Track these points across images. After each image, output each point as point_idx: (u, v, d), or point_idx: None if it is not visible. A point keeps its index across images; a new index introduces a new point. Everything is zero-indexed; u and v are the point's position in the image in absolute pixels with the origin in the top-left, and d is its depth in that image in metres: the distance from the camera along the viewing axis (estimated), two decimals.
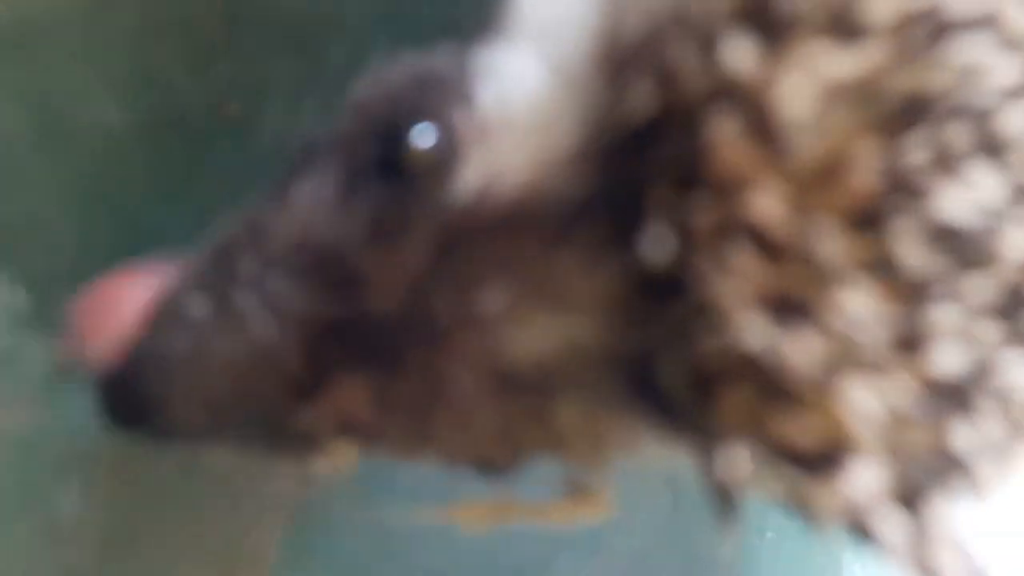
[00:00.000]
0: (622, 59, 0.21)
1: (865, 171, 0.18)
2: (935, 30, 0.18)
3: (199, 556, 0.38)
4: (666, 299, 0.20)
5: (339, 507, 0.38)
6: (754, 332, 0.18)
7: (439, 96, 0.24)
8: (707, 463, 0.20)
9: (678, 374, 0.20)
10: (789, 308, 0.18)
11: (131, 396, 0.26)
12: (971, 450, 0.20)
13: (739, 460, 0.19)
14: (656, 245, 0.19)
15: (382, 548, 0.44)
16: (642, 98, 0.20)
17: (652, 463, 0.26)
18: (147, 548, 0.37)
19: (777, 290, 0.18)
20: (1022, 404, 0.20)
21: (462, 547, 0.42)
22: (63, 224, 0.35)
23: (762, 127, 0.18)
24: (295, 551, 0.40)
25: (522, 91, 0.24)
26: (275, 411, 0.25)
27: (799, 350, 0.18)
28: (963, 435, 0.19)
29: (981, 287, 0.18)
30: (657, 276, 0.20)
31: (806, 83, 0.18)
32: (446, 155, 0.23)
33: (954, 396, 0.19)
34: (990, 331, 0.19)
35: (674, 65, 0.19)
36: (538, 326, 0.22)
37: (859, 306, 0.18)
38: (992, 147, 0.18)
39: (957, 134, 0.18)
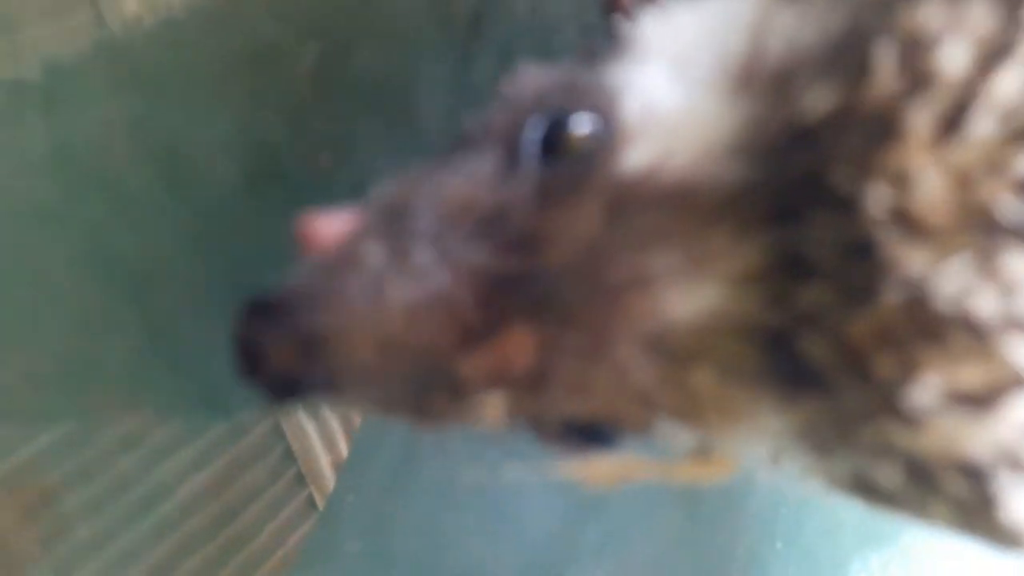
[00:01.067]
0: (772, 72, 0.24)
1: (1004, 171, 0.21)
2: None
3: None
4: (813, 279, 0.22)
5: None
6: (947, 285, 0.21)
7: (590, 95, 0.28)
8: (852, 426, 0.23)
9: (824, 347, 0.22)
10: (971, 270, 0.21)
11: (295, 334, 0.26)
12: None
13: (925, 398, 0.21)
14: (826, 227, 0.22)
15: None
16: (817, 99, 0.23)
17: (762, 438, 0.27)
18: None
19: (948, 258, 0.21)
20: None
21: (473, 552, 0.44)
22: (182, 268, 0.37)
23: (952, 123, 0.21)
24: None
25: (665, 100, 0.27)
26: (446, 357, 0.26)
27: (981, 304, 0.21)
28: None
29: None
30: (811, 256, 0.22)
31: (1002, 100, 0.21)
32: (599, 142, 0.26)
33: None
34: None
35: (871, 65, 0.22)
36: (694, 293, 0.24)
37: (1017, 270, 0.20)
38: None
39: None
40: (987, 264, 0.21)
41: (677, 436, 0.27)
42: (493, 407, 0.27)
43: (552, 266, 0.25)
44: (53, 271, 0.37)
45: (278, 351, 0.26)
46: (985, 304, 0.21)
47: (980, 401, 0.22)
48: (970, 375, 0.21)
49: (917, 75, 0.22)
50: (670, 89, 0.27)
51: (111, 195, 0.36)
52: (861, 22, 0.23)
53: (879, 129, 0.22)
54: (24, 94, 0.35)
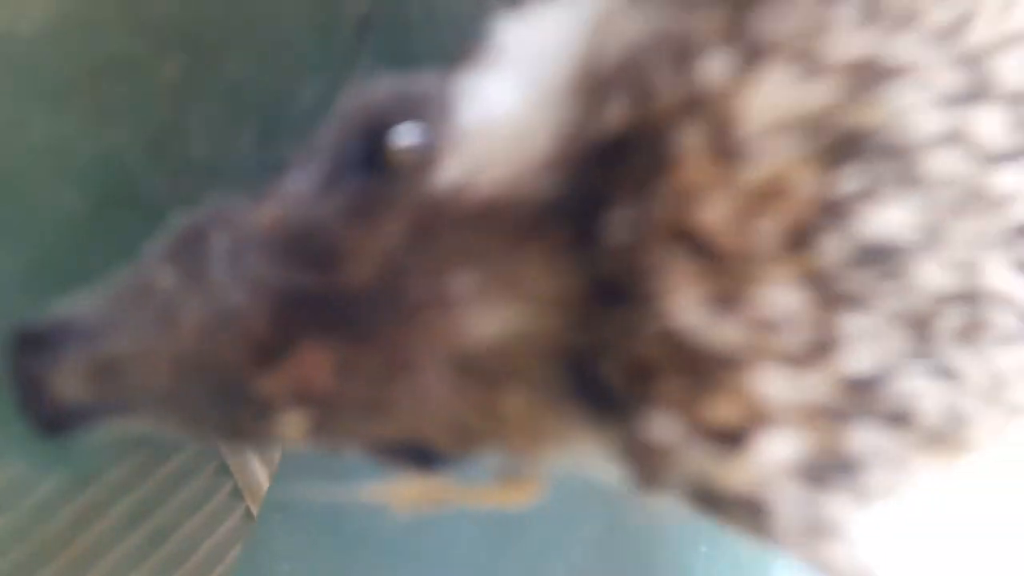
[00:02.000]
0: (599, 80, 0.23)
1: (800, 196, 0.20)
2: (878, 74, 0.21)
3: None
4: (615, 302, 0.22)
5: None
6: (689, 317, 0.20)
7: (423, 105, 0.27)
8: (633, 444, 0.22)
9: (616, 370, 0.22)
10: (721, 301, 0.20)
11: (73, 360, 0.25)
12: (870, 454, 0.21)
13: (666, 434, 0.21)
14: (613, 247, 0.21)
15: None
16: (615, 112, 0.22)
17: (583, 463, 0.27)
18: None
19: (713, 287, 0.20)
20: (924, 417, 0.22)
21: None
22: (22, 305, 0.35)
23: (723, 143, 0.20)
24: None
25: (500, 107, 0.26)
26: (242, 376, 0.25)
27: (727, 335, 0.20)
28: (863, 438, 0.21)
29: (894, 303, 0.21)
30: (610, 279, 0.22)
31: (768, 106, 0.20)
32: (426, 154, 0.25)
33: (860, 399, 0.21)
34: (898, 342, 0.21)
35: (650, 81, 0.21)
36: (498, 314, 0.23)
37: (781, 305, 0.20)
38: (914, 182, 0.21)
39: (884, 168, 0.21)
40: (751, 294, 0.20)
41: (488, 458, 0.27)
42: (295, 426, 0.26)
43: (351, 284, 0.24)
44: None
45: (61, 380, 0.25)
46: (731, 336, 0.20)
47: (729, 437, 0.21)
48: (717, 410, 0.21)
49: (687, 90, 0.21)
50: (511, 98, 0.26)
51: None
52: (655, 33, 0.23)
53: (656, 151, 0.21)
54: None
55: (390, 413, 0.25)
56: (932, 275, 0.21)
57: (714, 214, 0.20)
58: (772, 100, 0.20)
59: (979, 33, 0.22)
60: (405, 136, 0.26)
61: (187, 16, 0.36)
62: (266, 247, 0.25)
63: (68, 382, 0.25)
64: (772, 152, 0.20)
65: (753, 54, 0.21)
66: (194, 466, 0.72)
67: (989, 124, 0.21)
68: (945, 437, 0.23)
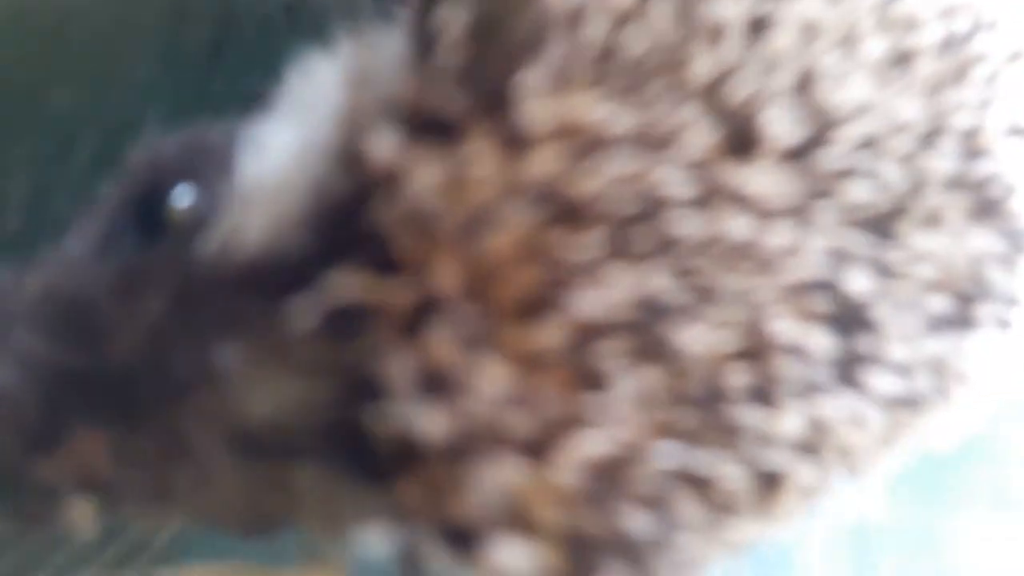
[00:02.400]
0: (347, 138, 0.22)
1: (531, 264, 0.19)
2: (589, 143, 0.20)
3: None
4: (360, 387, 0.20)
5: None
6: (401, 407, 0.19)
7: (202, 162, 0.26)
8: (404, 543, 0.21)
9: (382, 450, 0.21)
10: (435, 385, 0.19)
11: None
12: (649, 531, 0.20)
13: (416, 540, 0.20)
14: (346, 322, 0.20)
15: None
16: (344, 173, 0.21)
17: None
18: None
19: (428, 368, 0.19)
20: (729, 482, 0.21)
21: None
22: None
23: (415, 215, 0.20)
24: None
25: (276, 161, 0.25)
26: (15, 465, 0.24)
27: (434, 425, 0.19)
28: (635, 517, 0.20)
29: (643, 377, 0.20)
30: (349, 362, 0.21)
31: (437, 177, 0.19)
32: (203, 216, 0.24)
33: (614, 478, 0.20)
34: (681, 413, 0.20)
35: (355, 151, 0.21)
36: (268, 387, 0.22)
37: (497, 388, 0.19)
38: (664, 240, 0.20)
39: (622, 231, 0.20)
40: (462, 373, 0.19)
41: (288, 539, 0.26)
42: (82, 512, 0.25)
43: (117, 362, 0.23)
44: None
45: None
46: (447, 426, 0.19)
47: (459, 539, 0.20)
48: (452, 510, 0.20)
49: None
50: (288, 146, 0.25)
51: None
52: None
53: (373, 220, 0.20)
54: None
55: (176, 495, 0.24)
56: (702, 335, 0.20)
57: (445, 280, 0.19)
58: (489, 162, 0.19)
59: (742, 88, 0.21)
60: (179, 198, 0.25)
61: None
62: (32, 321, 0.24)
63: None
64: (502, 219, 0.19)
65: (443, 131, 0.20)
66: None
67: (757, 180, 0.21)
68: (765, 495, 0.22)
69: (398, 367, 0.19)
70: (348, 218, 0.21)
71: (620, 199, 0.20)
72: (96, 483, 0.24)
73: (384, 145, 0.20)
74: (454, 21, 0.20)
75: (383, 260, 0.20)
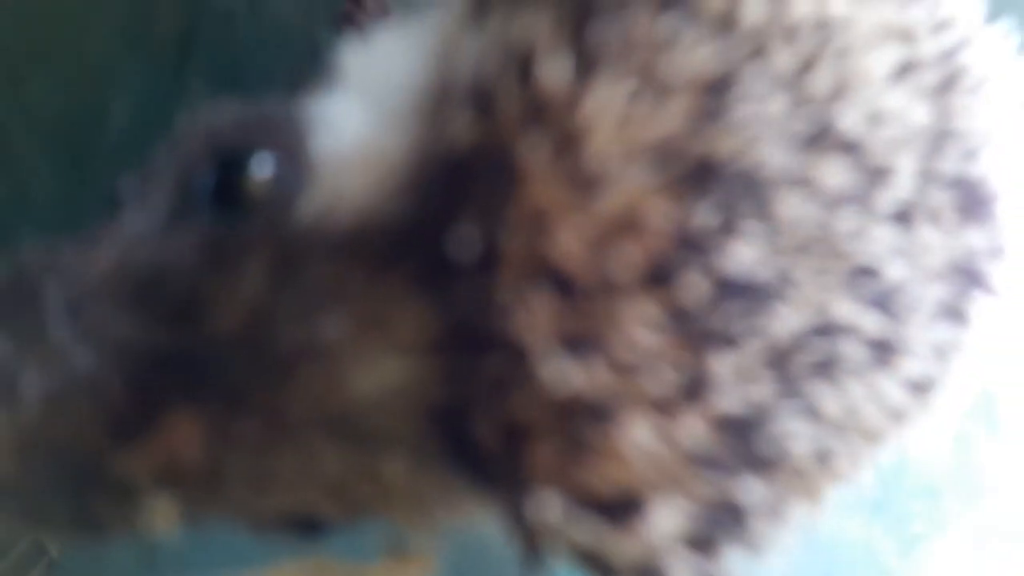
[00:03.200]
0: (446, 99, 0.22)
1: (657, 228, 0.19)
2: (727, 98, 0.20)
3: None
4: (477, 348, 0.20)
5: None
6: (549, 365, 0.19)
7: (272, 133, 0.24)
8: (517, 518, 0.20)
9: (490, 430, 0.20)
10: (581, 343, 0.19)
11: None
12: (752, 503, 0.21)
13: (549, 512, 0.20)
14: (466, 284, 0.20)
15: None
16: (460, 127, 0.20)
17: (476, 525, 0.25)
18: None
19: (571, 327, 0.19)
20: (795, 458, 0.22)
21: None
22: None
23: (570, 157, 0.19)
24: None
25: (350, 134, 0.24)
26: (98, 454, 0.21)
27: (588, 381, 0.19)
28: (745, 488, 0.21)
29: (756, 341, 0.21)
30: (467, 319, 0.20)
31: (613, 122, 0.19)
32: (283, 186, 0.23)
33: (737, 445, 0.21)
34: (766, 383, 0.21)
35: (492, 91, 0.20)
36: (371, 363, 0.21)
37: (647, 344, 0.19)
38: (768, 220, 0.21)
39: (738, 200, 0.20)
40: (612, 333, 0.19)
41: (376, 530, 0.25)
42: (164, 512, 0.22)
43: (215, 338, 0.21)
44: None
45: None
46: (600, 383, 0.19)
47: (611, 508, 0.20)
48: (596, 477, 0.20)
49: (530, 101, 0.20)
50: (361, 122, 0.24)
51: None
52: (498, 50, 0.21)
53: (502, 168, 0.19)
54: None
55: (271, 485, 0.22)
56: (788, 312, 0.21)
57: (568, 243, 0.19)
58: (617, 115, 0.19)
59: (821, 80, 0.23)
60: (259, 168, 0.23)
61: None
62: (110, 298, 0.22)
63: None
64: (624, 179, 0.19)
65: (590, 61, 0.19)
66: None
67: (832, 169, 0.22)
68: (813, 474, 0.23)
69: (538, 325, 0.19)
70: (460, 182, 0.20)
71: (744, 163, 0.20)
72: (183, 476, 0.22)
73: (556, 75, 0.19)
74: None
75: (503, 219, 0.19)
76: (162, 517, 0.22)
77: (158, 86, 0.38)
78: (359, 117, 0.24)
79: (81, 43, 0.36)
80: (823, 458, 0.24)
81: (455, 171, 0.20)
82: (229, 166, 0.23)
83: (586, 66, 0.19)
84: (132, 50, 0.38)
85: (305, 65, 0.26)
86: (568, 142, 0.19)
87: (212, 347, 0.21)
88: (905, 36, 0.27)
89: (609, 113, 0.19)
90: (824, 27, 0.24)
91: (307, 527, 0.25)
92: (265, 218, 0.22)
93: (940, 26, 0.29)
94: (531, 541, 0.21)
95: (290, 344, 0.21)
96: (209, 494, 0.23)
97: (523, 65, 0.20)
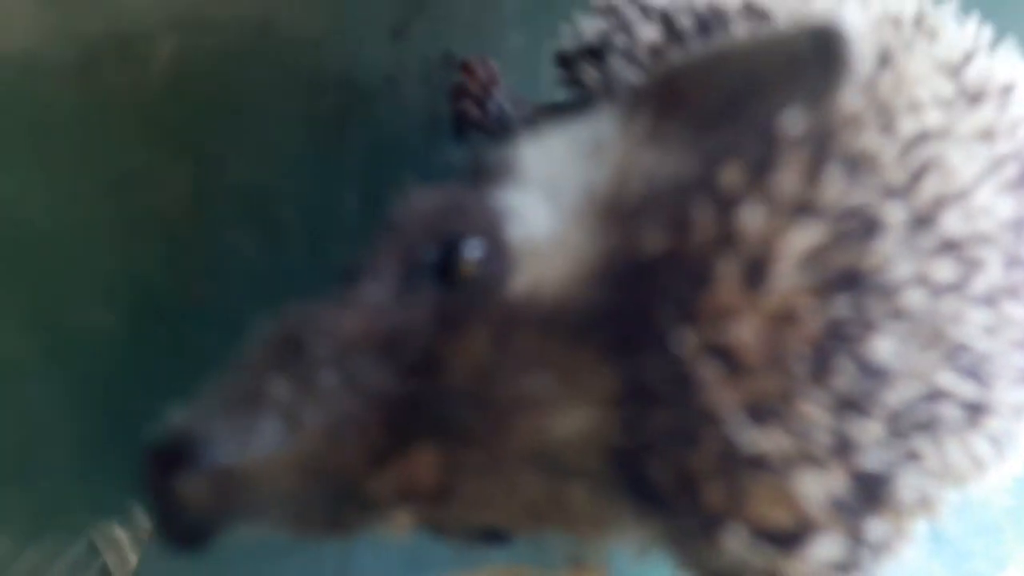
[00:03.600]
0: (628, 208, 0.27)
1: (809, 321, 0.25)
2: (867, 224, 0.26)
3: None
4: (655, 408, 0.25)
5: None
6: (740, 430, 0.24)
7: (479, 221, 0.30)
8: (692, 547, 0.26)
9: (666, 472, 0.26)
10: (762, 413, 0.25)
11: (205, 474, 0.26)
12: (875, 540, 0.27)
13: (731, 540, 0.25)
14: (655, 358, 0.25)
15: None
16: (655, 239, 0.26)
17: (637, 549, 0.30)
18: None
19: (751, 399, 0.25)
20: (904, 503, 0.27)
21: None
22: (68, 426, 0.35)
23: (754, 273, 0.25)
24: None
25: (539, 227, 0.29)
26: (357, 476, 0.27)
27: (771, 445, 0.24)
28: (874, 527, 0.26)
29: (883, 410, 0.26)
30: (650, 387, 0.25)
31: (794, 248, 0.25)
32: (490, 266, 0.28)
33: (867, 492, 0.26)
34: (887, 442, 0.26)
35: (689, 216, 0.26)
36: (567, 412, 0.26)
37: (811, 415, 0.25)
38: (898, 314, 0.26)
39: (874, 302, 0.26)
40: (785, 406, 0.25)
41: (558, 544, 0.30)
42: (401, 520, 0.28)
43: (450, 388, 0.27)
44: None
45: (198, 494, 0.26)
46: (781, 445, 0.25)
47: (783, 539, 0.26)
48: (773, 514, 0.25)
49: (725, 229, 0.25)
50: (545, 216, 0.30)
51: None
52: (688, 174, 0.27)
53: (694, 274, 0.25)
54: None
55: (484, 504, 0.28)
56: (903, 383, 0.26)
57: (745, 332, 0.25)
58: (794, 244, 0.25)
59: (929, 190, 0.28)
60: (470, 251, 0.29)
61: (195, 123, 0.37)
62: (365, 355, 0.27)
63: (202, 495, 0.26)
64: (785, 282, 0.25)
65: (776, 206, 0.25)
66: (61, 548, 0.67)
67: (940, 266, 0.27)
68: (914, 514, 0.28)
69: (727, 399, 0.24)
70: (651, 279, 0.26)
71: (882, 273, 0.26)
72: (419, 495, 0.27)
73: (755, 218, 0.25)
74: None
75: (691, 313, 0.25)
76: (399, 526, 0.28)
77: (325, 163, 0.44)
78: (544, 212, 0.30)
79: (266, 124, 0.42)
80: (924, 502, 0.29)
81: (646, 269, 0.26)
82: (447, 248, 0.29)
83: (774, 212, 0.25)
84: (304, 129, 0.44)
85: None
86: (756, 263, 0.25)
87: (446, 395, 0.27)
88: (988, 136, 0.31)
89: (791, 244, 0.25)
90: (925, 139, 0.29)
91: (498, 538, 0.31)
92: (477, 292, 0.28)
93: (1015, 124, 0.33)
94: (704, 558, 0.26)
95: (506, 395, 0.27)
96: (437, 510, 0.28)
97: (722, 203, 0.25)
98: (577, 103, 0.41)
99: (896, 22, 0.33)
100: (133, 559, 0.70)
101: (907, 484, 0.27)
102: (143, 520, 0.68)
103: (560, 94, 0.49)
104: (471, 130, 0.56)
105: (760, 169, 0.26)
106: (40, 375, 0.35)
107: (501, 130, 0.55)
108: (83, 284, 0.36)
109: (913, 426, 0.27)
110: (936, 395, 0.28)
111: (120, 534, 0.70)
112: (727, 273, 0.25)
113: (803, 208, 0.26)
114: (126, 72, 0.33)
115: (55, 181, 0.34)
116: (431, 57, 0.52)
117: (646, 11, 0.38)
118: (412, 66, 0.51)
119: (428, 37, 0.52)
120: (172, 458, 0.26)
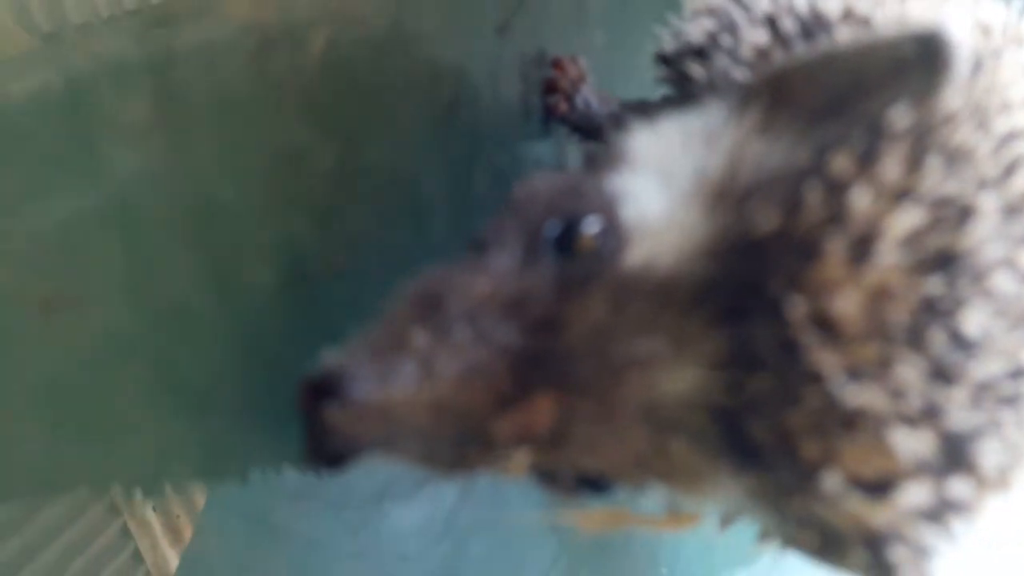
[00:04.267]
0: (739, 191, 0.30)
1: (906, 294, 0.27)
2: (962, 211, 0.28)
3: None
4: (762, 369, 0.28)
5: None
6: (840, 388, 0.27)
7: (590, 199, 0.33)
8: (784, 500, 0.28)
9: (766, 429, 0.28)
10: (861, 374, 0.27)
11: (348, 409, 0.29)
12: (959, 498, 0.29)
13: (826, 487, 0.27)
14: (762, 325, 0.28)
15: None
16: (767, 217, 0.29)
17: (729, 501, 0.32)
18: None
19: (852, 362, 0.27)
20: (986, 468, 0.29)
21: None
22: (232, 374, 0.40)
23: (859, 250, 0.27)
24: None
25: (652, 208, 0.32)
26: (482, 419, 0.30)
27: (868, 402, 0.27)
28: (955, 486, 0.28)
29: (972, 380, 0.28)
30: (758, 349, 0.28)
31: (898, 229, 0.27)
32: (608, 242, 0.32)
33: (955, 453, 0.28)
34: (973, 410, 0.28)
35: (801, 199, 0.28)
36: (676, 373, 0.29)
37: (906, 378, 0.27)
38: (987, 294, 0.28)
39: (966, 281, 0.28)
40: (883, 370, 0.27)
41: (658, 492, 0.33)
42: (519, 461, 0.31)
43: (569, 346, 0.30)
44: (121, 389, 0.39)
45: (343, 421, 0.29)
46: (879, 403, 0.27)
47: (875, 487, 0.28)
48: (868, 465, 0.28)
49: (835, 210, 0.28)
50: (658, 197, 0.33)
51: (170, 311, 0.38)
52: (798, 162, 0.30)
53: (804, 250, 0.28)
54: None
55: (595, 452, 0.31)
56: (990, 359, 0.29)
57: (849, 303, 0.27)
58: (897, 225, 0.28)
59: (1019, 183, 0.30)
60: (589, 227, 0.32)
61: (341, 107, 0.41)
62: (494, 313, 0.31)
63: (345, 423, 0.29)
64: (886, 259, 0.28)
65: (885, 191, 0.28)
66: (109, 554, 0.73)
67: None
68: (996, 480, 0.30)
69: (830, 361, 0.27)
70: (760, 254, 0.29)
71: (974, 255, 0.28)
72: (536, 438, 0.31)
73: (864, 200, 0.27)
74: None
75: (798, 285, 0.27)
76: (515, 467, 0.32)
77: (441, 147, 0.48)
78: (656, 194, 0.33)
79: (395, 107, 0.47)
80: (1002, 476, 0.31)
81: (756, 245, 0.29)
82: (568, 224, 0.32)
83: (879, 196, 0.28)
84: (425, 115, 0.48)
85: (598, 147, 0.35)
86: (861, 241, 0.28)
87: (565, 351, 0.30)
88: None
89: (894, 226, 0.28)
90: (1016, 137, 0.31)
91: (600, 488, 0.34)
92: (594, 263, 0.31)
93: None
94: (800, 509, 0.29)
95: (619, 353, 0.30)
96: (551, 453, 0.31)
97: (834, 187, 0.28)
98: (679, 98, 0.44)
99: (986, 30, 0.36)
100: (164, 544, 0.77)
101: (989, 449, 0.29)
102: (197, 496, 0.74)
103: (633, 90, 0.52)
104: (558, 123, 0.60)
105: (867, 158, 0.29)
106: (212, 323, 0.40)
107: (587, 124, 0.59)
108: (250, 247, 0.41)
109: (997, 400, 0.29)
110: (1020, 373, 0.30)
111: (153, 518, 0.76)
112: (834, 249, 0.28)
113: (905, 194, 0.28)
114: (290, 58, 0.38)
115: (235, 154, 0.38)
116: (526, 53, 0.56)
117: (751, 14, 0.41)
118: (511, 61, 0.55)
119: (527, 34, 0.55)
120: (323, 389, 0.30)
